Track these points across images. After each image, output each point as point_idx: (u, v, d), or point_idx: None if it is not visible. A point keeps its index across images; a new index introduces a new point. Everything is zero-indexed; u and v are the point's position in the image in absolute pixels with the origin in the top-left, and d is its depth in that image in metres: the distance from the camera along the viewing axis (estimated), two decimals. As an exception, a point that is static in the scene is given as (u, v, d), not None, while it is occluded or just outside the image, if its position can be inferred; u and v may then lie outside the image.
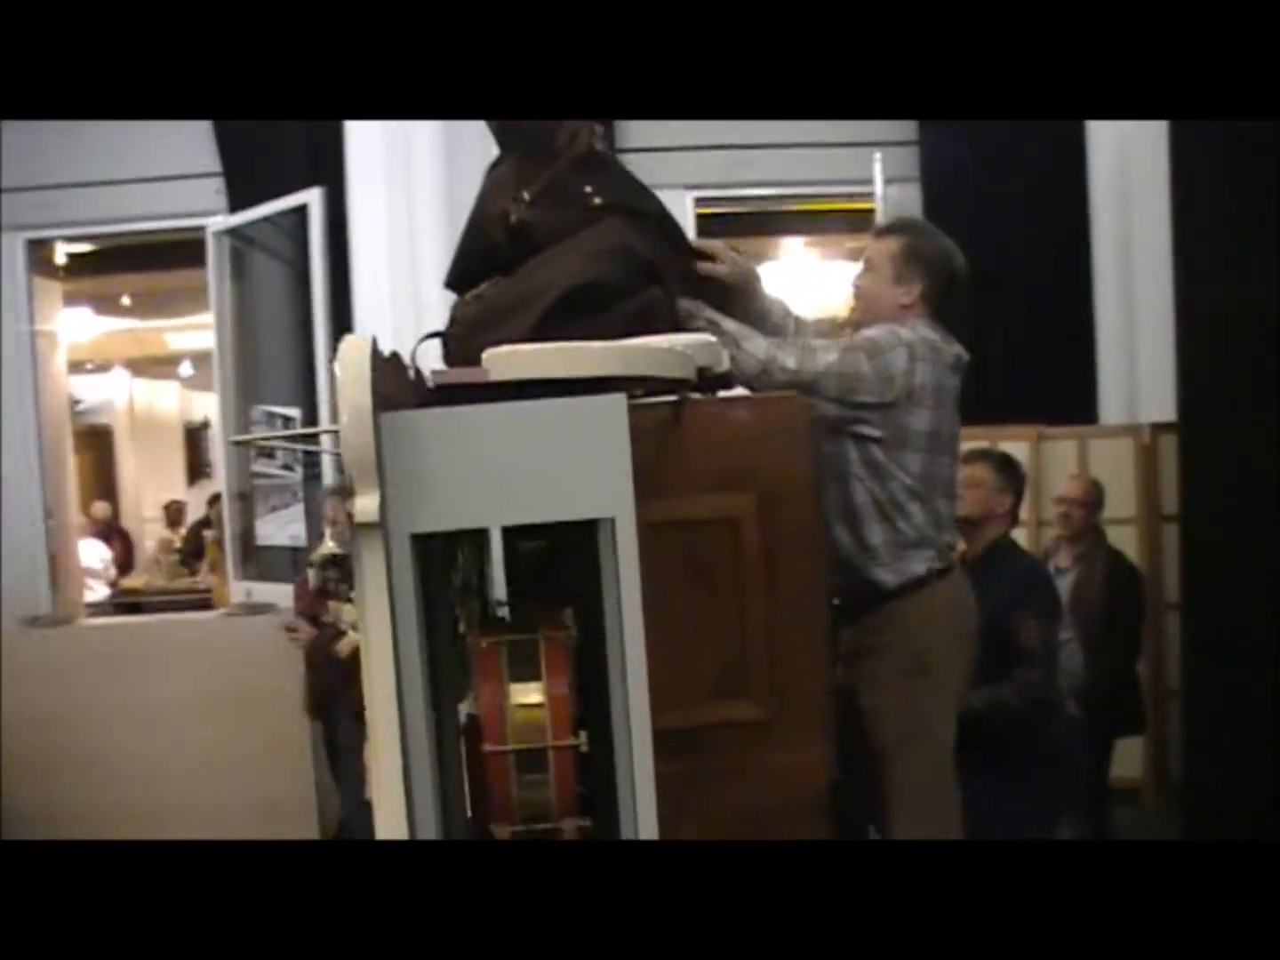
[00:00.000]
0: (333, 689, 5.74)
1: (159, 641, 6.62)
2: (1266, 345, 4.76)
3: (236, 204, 7.49)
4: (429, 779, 1.77)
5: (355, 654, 3.68)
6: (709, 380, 2.44)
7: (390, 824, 1.71)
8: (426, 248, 7.04)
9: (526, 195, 2.65)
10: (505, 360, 1.84)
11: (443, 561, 2.23)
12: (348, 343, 1.72)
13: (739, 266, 2.98)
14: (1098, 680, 4.94)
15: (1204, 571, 5.23)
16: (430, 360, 2.47)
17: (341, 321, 7.24)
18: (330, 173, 7.19)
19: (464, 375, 1.85)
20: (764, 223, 8.82)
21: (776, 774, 2.48)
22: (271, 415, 7.54)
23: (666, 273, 2.61)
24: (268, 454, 7.52)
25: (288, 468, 7.50)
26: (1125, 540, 5.75)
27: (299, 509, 7.44)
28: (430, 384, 1.92)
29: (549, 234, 2.62)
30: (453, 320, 2.76)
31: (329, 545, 4.43)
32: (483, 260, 2.75)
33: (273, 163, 7.40)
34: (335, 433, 1.74)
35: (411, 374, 2.32)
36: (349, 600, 4.88)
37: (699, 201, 8.16)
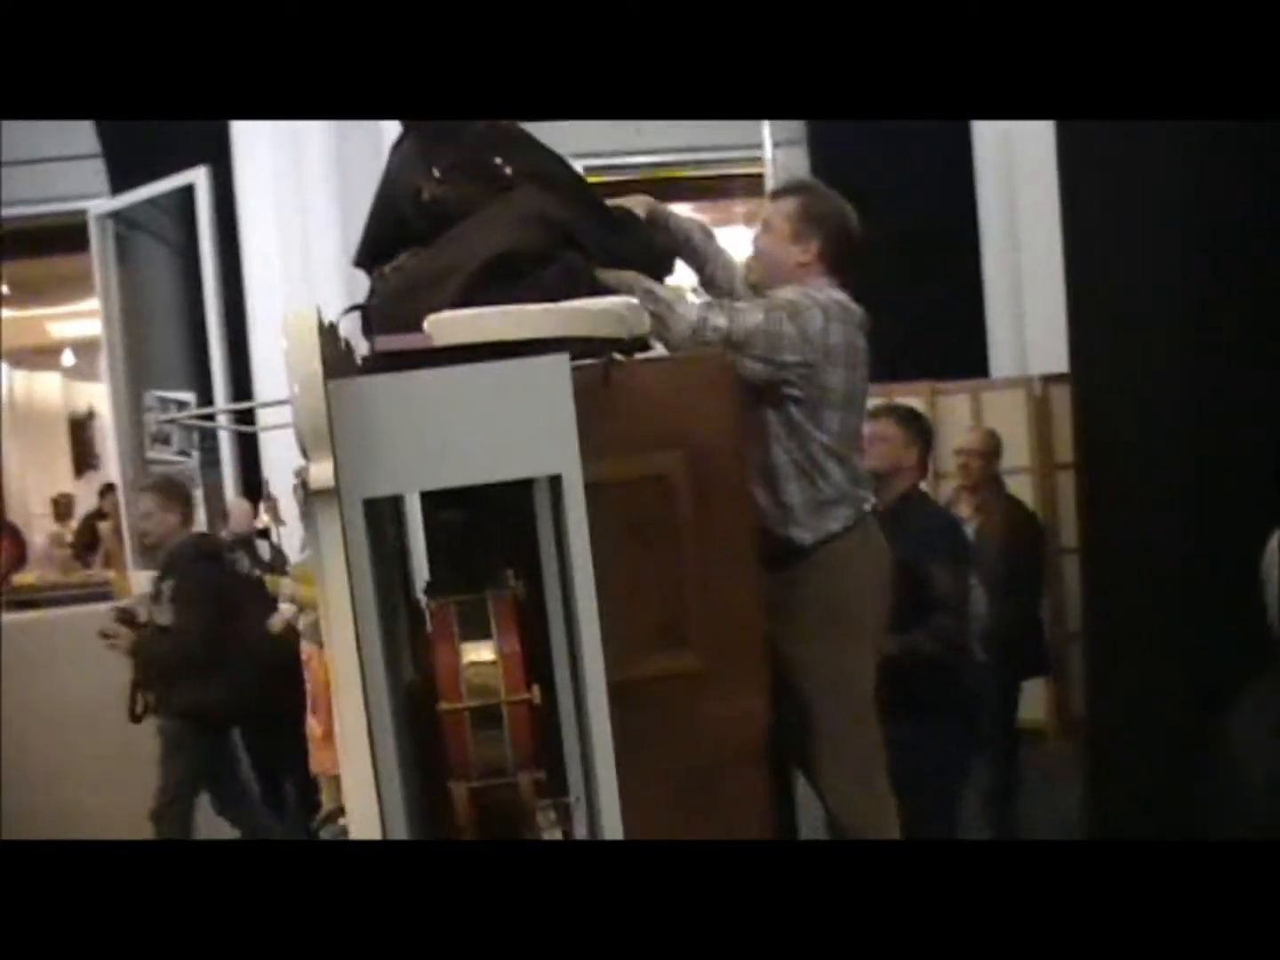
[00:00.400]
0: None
1: (62, 636, 6.48)
2: (1153, 295, 4.91)
3: (119, 186, 7.36)
4: (392, 740, 1.80)
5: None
6: (630, 342, 2.48)
7: (359, 786, 1.74)
8: (318, 222, 6.98)
9: (437, 172, 2.67)
10: (446, 325, 1.87)
11: (383, 527, 2.26)
12: (293, 314, 1.73)
13: (647, 200, 3.12)
14: (1002, 625, 5.08)
15: (1101, 517, 5.40)
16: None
17: (233, 302, 7.18)
18: (215, 151, 7.08)
19: (406, 342, 1.87)
20: (654, 191, 8.85)
21: (717, 723, 2.54)
22: (165, 401, 7.45)
23: (584, 238, 2.64)
24: (163, 440, 7.44)
25: (184, 454, 7.42)
26: (1021, 489, 5.91)
27: (198, 495, 7.38)
28: (374, 350, 1.94)
29: (463, 207, 2.64)
30: (372, 293, 2.77)
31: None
32: (394, 236, 2.77)
33: (155, 142, 7.26)
34: (282, 404, 1.76)
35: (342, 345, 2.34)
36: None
37: (588, 170, 8.18)
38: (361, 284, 6.58)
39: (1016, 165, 6.63)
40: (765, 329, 2.91)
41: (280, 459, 6.96)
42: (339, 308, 6.69)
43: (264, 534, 6.20)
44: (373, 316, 2.70)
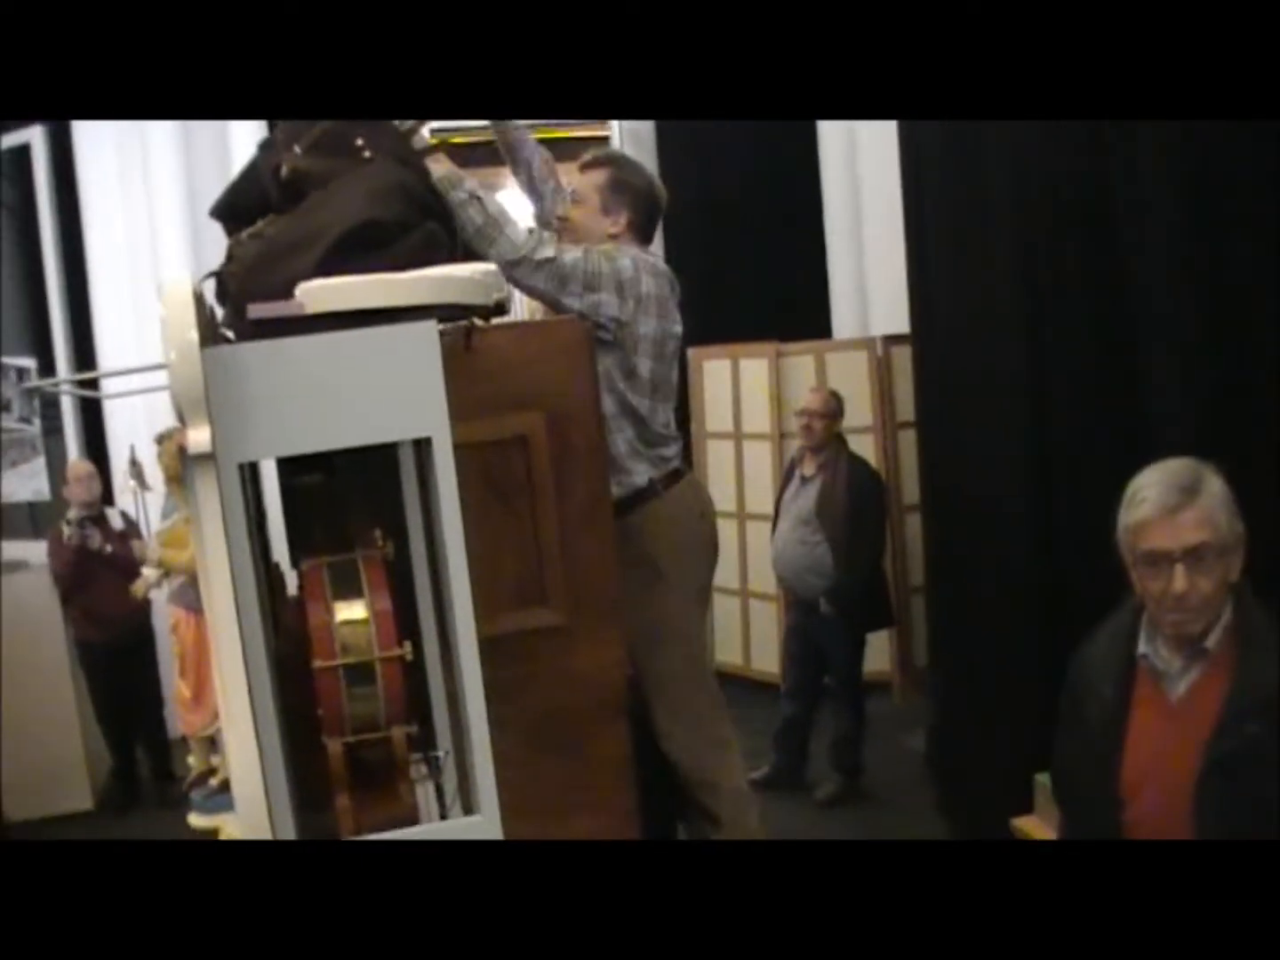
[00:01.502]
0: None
1: None
2: (992, 256, 5.10)
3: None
4: (272, 700, 1.86)
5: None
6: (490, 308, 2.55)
7: (243, 745, 1.78)
8: (161, 181, 6.83)
9: (298, 148, 2.71)
10: (319, 293, 1.92)
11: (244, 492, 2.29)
12: (170, 281, 1.77)
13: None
14: (848, 580, 5.26)
15: (942, 475, 5.60)
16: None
17: (73, 267, 7.02)
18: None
19: (279, 309, 1.91)
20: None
21: (577, 675, 2.64)
22: (3, 367, 7.25)
23: (441, 207, 2.71)
24: (4, 408, 7.25)
25: (25, 420, 7.24)
26: (864, 448, 6.09)
27: (40, 463, 7.22)
28: (247, 317, 1.98)
29: (322, 181, 2.68)
30: (230, 258, 2.78)
31: None
32: (254, 203, 2.80)
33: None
34: (160, 368, 1.79)
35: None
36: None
37: (436, 131, 8.15)
38: (206, 250, 6.56)
39: (858, 131, 6.78)
40: (585, 266, 3.03)
41: (123, 428, 6.88)
42: (186, 266, 6.61)
43: (108, 501, 6.13)
44: (230, 282, 2.73)
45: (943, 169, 5.30)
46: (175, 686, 2.50)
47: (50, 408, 7.11)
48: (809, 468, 5.46)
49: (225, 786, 2.55)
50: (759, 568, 6.61)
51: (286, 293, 2.26)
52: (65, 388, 6.60)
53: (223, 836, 2.41)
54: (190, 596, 2.47)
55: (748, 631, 6.97)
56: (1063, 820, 2.63)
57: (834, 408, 5.46)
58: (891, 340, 6.48)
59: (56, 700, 6.04)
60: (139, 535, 6.18)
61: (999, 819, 4.08)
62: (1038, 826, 3.63)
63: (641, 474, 3.17)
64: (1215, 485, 2.26)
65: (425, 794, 2.19)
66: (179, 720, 2.60)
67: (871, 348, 6.60)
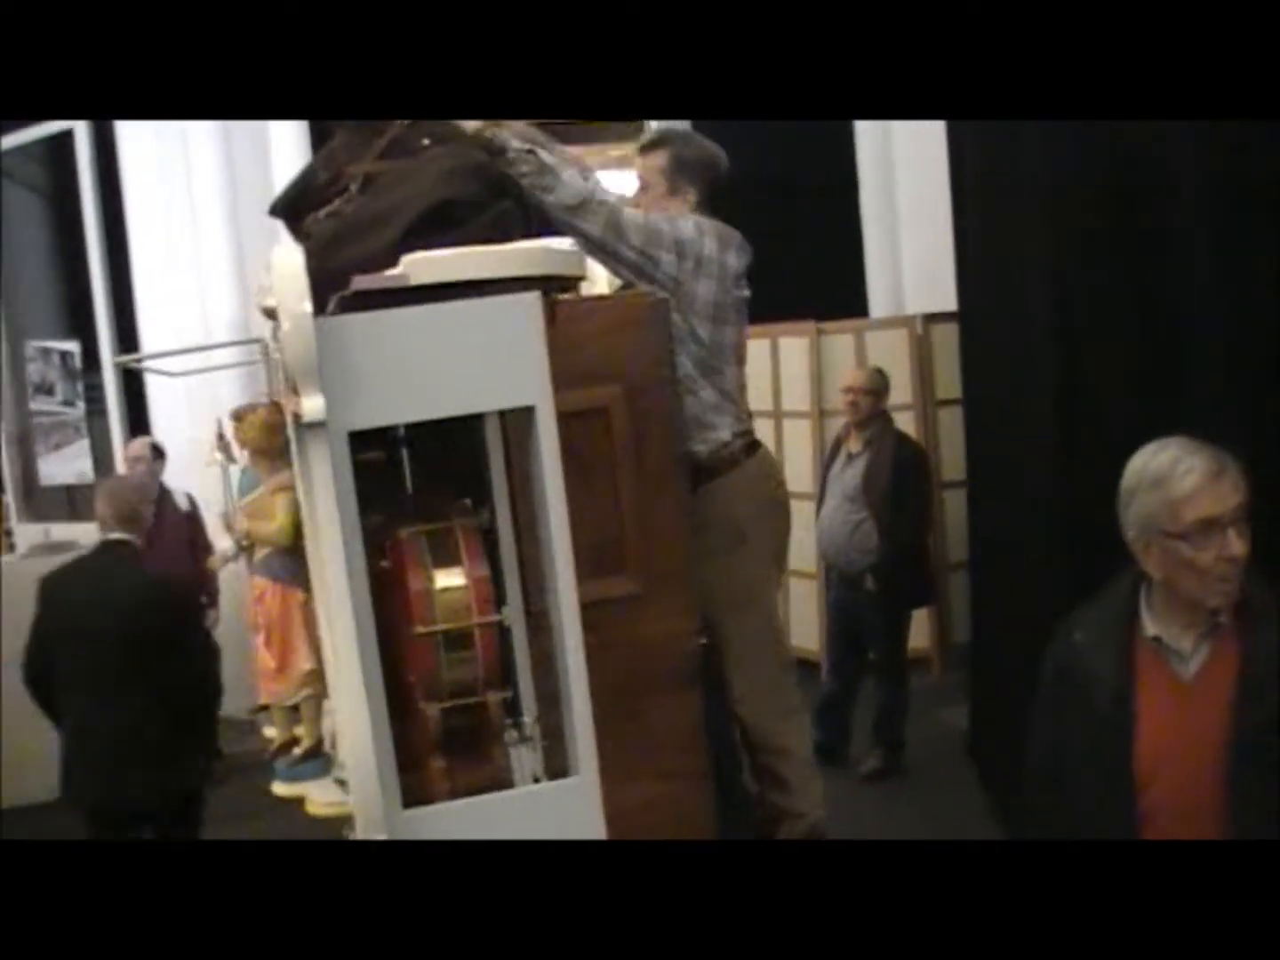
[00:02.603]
0: None
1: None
2: (1036, 240, 5.11)
3: (-11, 131, 7.17)
4: (378, 664, 1.89)
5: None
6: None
7: (355, 712, 1.83)
8: (202, 165, 6.87)
9: (367, 159, 2.77)
10: (423, 265, 1.95)
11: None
12: (282, 253, 1.81)
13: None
14: (892, 556, 5.28)
15: (986, 451, 5.62)
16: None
17: (116, 251, 7.07)
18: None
19: (385, 281, 1.95)
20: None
21: (651, 643, 2.66)
22: (47, 351, 7.32)
23: (515, 186, 2.75)
24: (46, 390, 7.32)
25: (69, 403, 7.31)
26: (904, 425, 6.10)
27: (84, 445, 7.29)
28: (352, 288, 2.01)
29: (395, 176, 2.74)
30: (306, 236, 2.83)
31: None
32: (313, 202, 2.87)
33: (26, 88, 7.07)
34: (253, 342, 1.83)
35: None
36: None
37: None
38: (247, 236, 6.57)
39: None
40: (643, 224, 3.01)
41: (165, 410, 6.94)
42: (224, 257, 6.65)
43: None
44: (307, 260, 2.77)
45: (983, 146, 5.31)
46: (258, 657, 2.55)
47: (94, 390, 7.18)
48: (855, 444, 5.48)
49: (310, 755, 2.59)
50: (797, 546, 6.62)
51: (363, 269, 2.32)
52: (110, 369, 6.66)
53: (309, 805, 2.45)
54: (275, 567, 2.51)
55: (787, 609, 7.00)
56: (1057, 814, 2.49)
57: (880, 383, 5.49)
58: (931, 319, 6.49)
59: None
60: (198, 517, 6.21)
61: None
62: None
63: (724, 428, 3.17)
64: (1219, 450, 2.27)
65: (518, 758, 2.22)
66: (260, 691, 2.64)
67: (911, 326, 6.61)
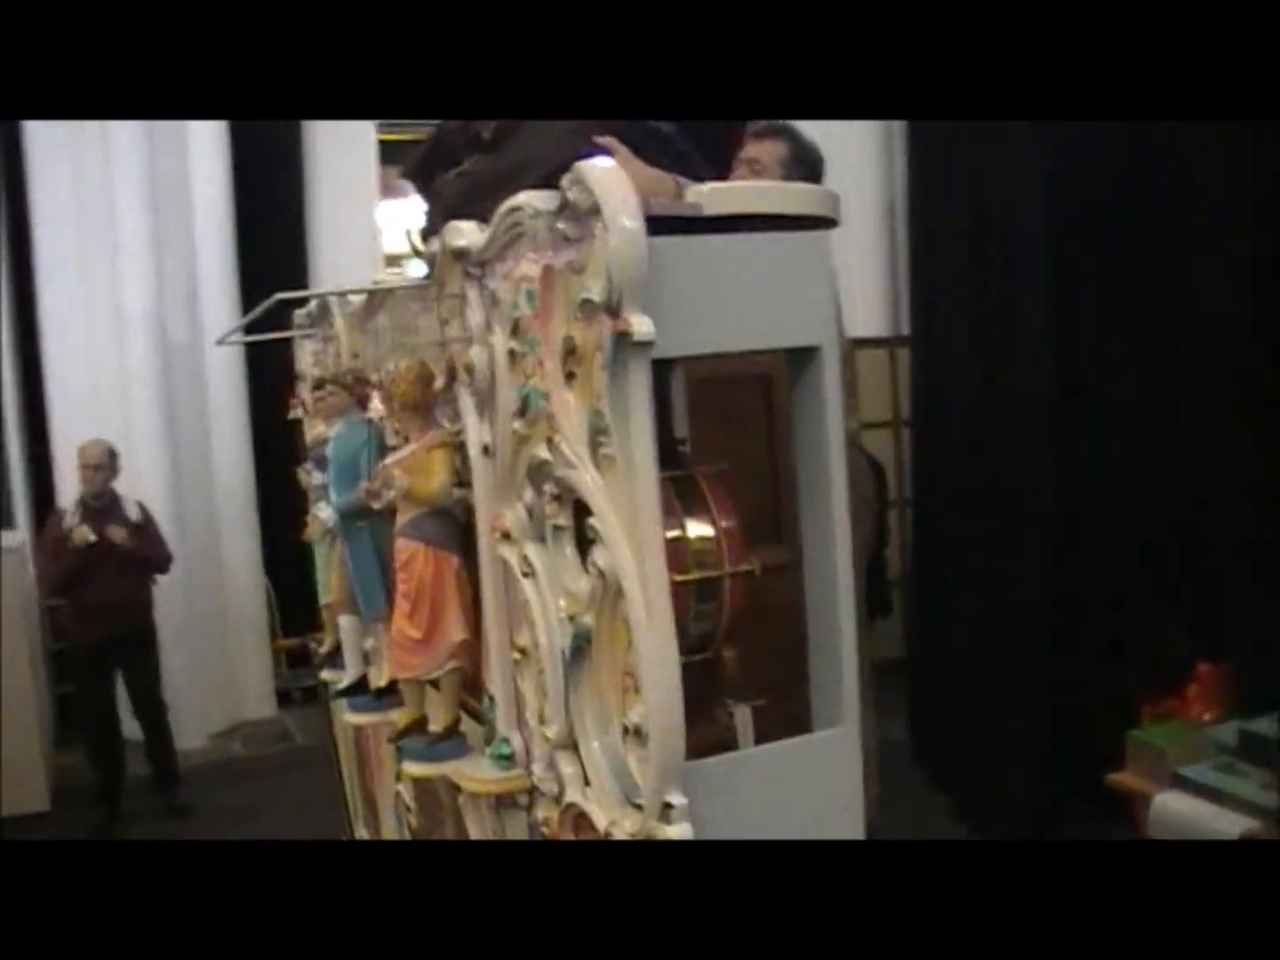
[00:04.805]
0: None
1: None
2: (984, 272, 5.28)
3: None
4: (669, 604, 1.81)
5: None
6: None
7: (664, 667, 1.75)
8: (120, 153, 6.57)
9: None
10: (715, 195, 1.89)
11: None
12: (600, 168, 1.73)
13: None
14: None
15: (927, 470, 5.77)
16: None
17: (19, 239, 6.72)
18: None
19: (678, 208, 1.88)
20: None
21: (798, 613, 2.62)
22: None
23: (649, 141, 2.69)
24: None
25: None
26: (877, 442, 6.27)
27: None
28: (649, 214, 1.93)
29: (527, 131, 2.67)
30: (437, 195, 2.75)
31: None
32: (443, 164, 2.79)
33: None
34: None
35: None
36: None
37: (381, 125, 8.07)
38: (168, 228, 6.33)
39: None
40: None
41: (67, 412, 6.60)
42: (143, 247, 6.37)
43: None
44: (438, 219, 2.69)
45: (951, 172, 5.46)
46: (395, 628, 2.39)
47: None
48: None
49: (447, 734, 2.45)
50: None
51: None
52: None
53: (465, 783, 2.31)
54: (429, 529, 2.36)
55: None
56: None
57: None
58: (903, 340, 6.66)
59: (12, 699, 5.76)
60: (154, 525, 5.94)
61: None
62: (1134, 780, 3.82)
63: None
64: None
65: (742, 718, 2.15)
66: (394, 665, 2.46)
67: (890, 347, 6.80)
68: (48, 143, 6.52)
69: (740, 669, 2.11)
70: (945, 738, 5.78)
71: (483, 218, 2.23)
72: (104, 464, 5.82)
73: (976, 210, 5.32)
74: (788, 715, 2.56)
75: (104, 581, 5.64)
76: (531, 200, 1.92)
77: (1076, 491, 5.07)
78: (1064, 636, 5.11)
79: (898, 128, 6.36)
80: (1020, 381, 5.12)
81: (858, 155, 6.66)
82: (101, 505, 5.82)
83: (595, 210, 1.72)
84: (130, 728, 6.12)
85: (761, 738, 2.13)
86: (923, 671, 6.03)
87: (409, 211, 8.72)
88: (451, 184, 2.72)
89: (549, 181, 2.45)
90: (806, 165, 3.36)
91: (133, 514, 5.91)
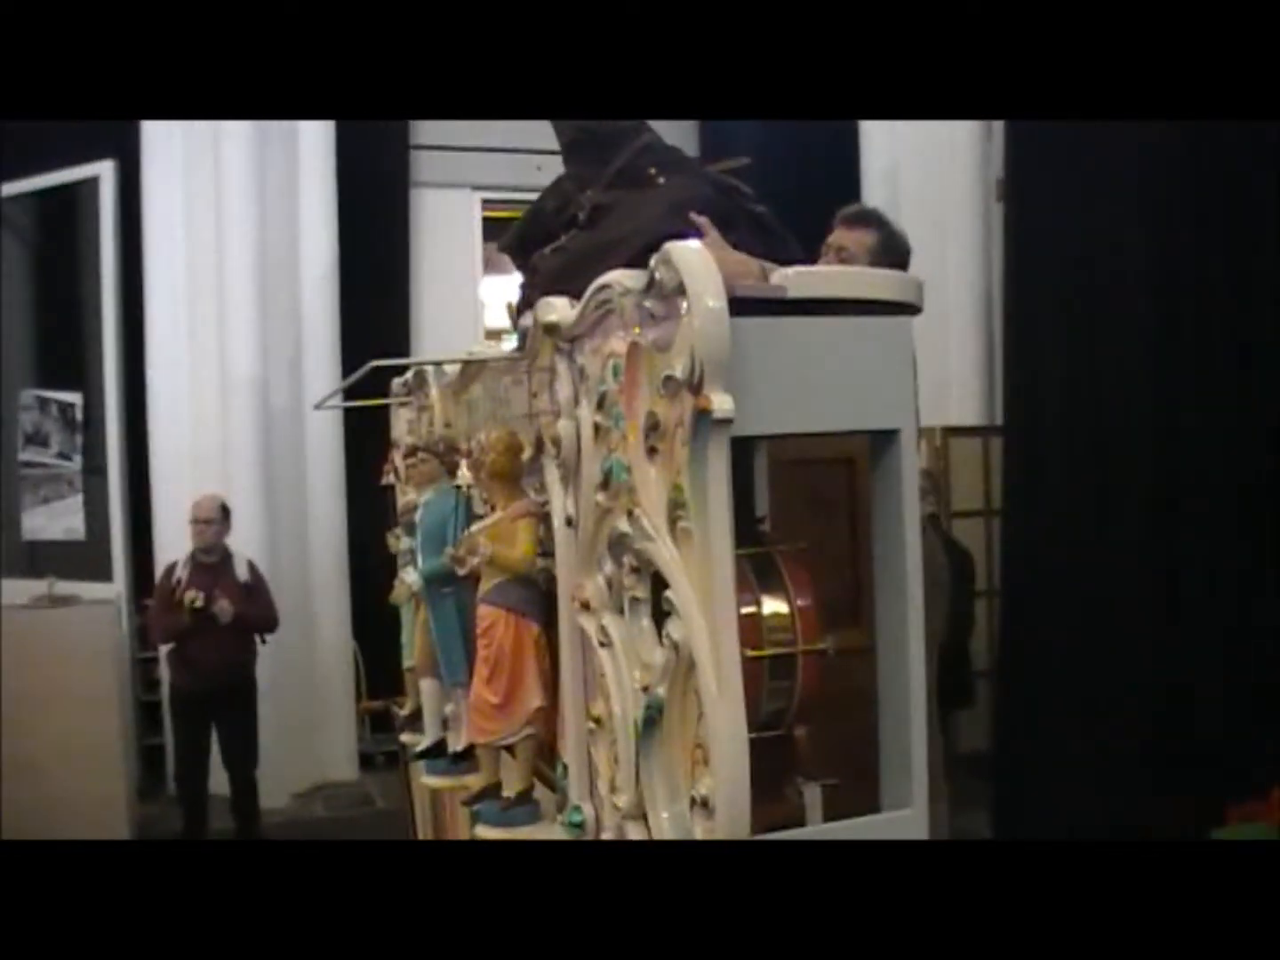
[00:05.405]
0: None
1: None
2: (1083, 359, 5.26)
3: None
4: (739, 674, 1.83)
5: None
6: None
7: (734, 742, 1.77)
8: (233, 224, 6.79)
9: (595, 189, 2.77)
10: (799, 279, 1.93)
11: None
12: (691, 252, 1.78)
13: None
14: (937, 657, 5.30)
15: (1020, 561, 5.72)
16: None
17: (131, 303, 6.94)
18: (120, 145, 6.85)
19: (765, 290, 1.92)
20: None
21: (872, 698, 2.62)
22: (44, 401, 7.11)
23: (746, 219, 2.75)
24: (41, 442, 7.09)
25: (63, 456, 7.09)
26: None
27: (77, 500, 7.07)
28: (734, 295, 1.98)
29: (623, 210, 2.74)
30: (534, 270, 2.81)
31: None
32: (540, 240, 2.86)
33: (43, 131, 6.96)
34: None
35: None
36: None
37: (488, 203, 8.26)
38: (277, 287, 6.52)
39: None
40: None
41: (169, 470, 6.78)
42: (251, 313, 6.56)
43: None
44: (534, 294, 2.75)
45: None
46: (475, 693, 2.44)
47: (93, 444, 6.98)
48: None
49: (521, 799, 2.48)
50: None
51: None
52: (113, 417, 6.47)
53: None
54: (512, 596, 2.41)
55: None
56: None
57: (926, 485, 5.54)
58: (950, 431, 6.64)
59: (101, 735, 5.88)
60: (264, 586, 6.02)
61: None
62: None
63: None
64: None
65: (811, 796, 2.16)
66: (473, 730, 2.52)
67: (930, 437, 6.76)
68: (162, 208, 6.77)
69: (813, 748, 2.11)
70: (1028, 833, 5.67)
71: (578, 293, 2.30)
72: (215, 519, 5.89)
73: (1073, 300, 5.31)
74: (859, 797, 2.57)
75: (211, 636, 5.70)
76: (620, 278, 1.97)
77: (1174, 587, 4.99)
78: (1149, 735, 5.03)
79: (996, 219, 6.38)
80: (1115, 471, 5.09)
81: (956, 245, 6.68)
82: (212, 561, 5.89)
83: (681, 290, 1.76)
84: (216, 782, 6.19)
85: (832, 818, 2.13)
86: (1008, 765, 5.93)
87: (511, 287, 8.95)
88: (548, 259, 2.78)
89: (641, 258, 2.53)
90: (894, 254, 3.38)
91: (242, 572, 5.97)
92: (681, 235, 2.55)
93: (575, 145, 2.91)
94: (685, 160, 2.91)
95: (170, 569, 5.94)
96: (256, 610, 5.95)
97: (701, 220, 2.33)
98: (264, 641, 6.07)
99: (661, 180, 2.79)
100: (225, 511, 6.00)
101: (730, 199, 2.85)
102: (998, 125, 6.31)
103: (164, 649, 6.09)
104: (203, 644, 5.71)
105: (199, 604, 5.58)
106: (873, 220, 3.47)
